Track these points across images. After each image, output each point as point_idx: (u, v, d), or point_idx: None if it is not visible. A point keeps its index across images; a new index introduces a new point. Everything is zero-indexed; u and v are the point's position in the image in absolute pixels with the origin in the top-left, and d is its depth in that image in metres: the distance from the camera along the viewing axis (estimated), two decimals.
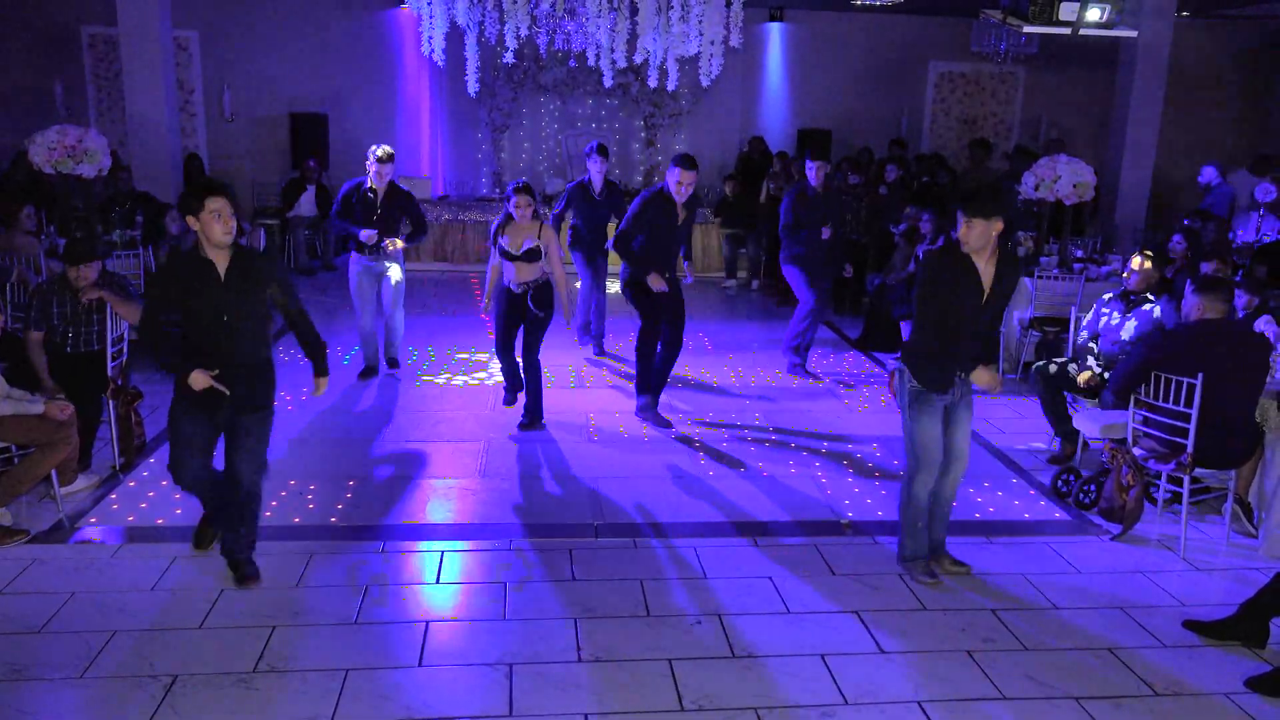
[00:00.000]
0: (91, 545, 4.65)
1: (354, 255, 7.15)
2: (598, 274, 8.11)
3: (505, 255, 6.12)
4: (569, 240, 7.99)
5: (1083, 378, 5.71)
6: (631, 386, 6.93)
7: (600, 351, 8.25)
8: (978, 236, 4.18)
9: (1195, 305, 4.86)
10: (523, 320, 6.25)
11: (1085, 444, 5.70)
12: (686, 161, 6.25)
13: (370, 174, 7.01)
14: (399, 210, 7.13)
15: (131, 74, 8.97)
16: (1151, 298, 5.79)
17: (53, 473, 4.89)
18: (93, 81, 12.49)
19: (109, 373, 5.49)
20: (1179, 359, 4.77)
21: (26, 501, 5.00)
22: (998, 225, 4.18)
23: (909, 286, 8.57)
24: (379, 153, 6.96)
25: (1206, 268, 6.31)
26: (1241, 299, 5.70)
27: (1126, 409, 5.02)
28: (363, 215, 6.99)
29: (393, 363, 7.56)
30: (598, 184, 7.87)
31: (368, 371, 7.48)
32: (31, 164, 7.54)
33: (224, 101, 12.59)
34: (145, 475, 5.48)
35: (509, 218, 6.13)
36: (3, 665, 3.65)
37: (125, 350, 5.72)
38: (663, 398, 6.78)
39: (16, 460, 4.80)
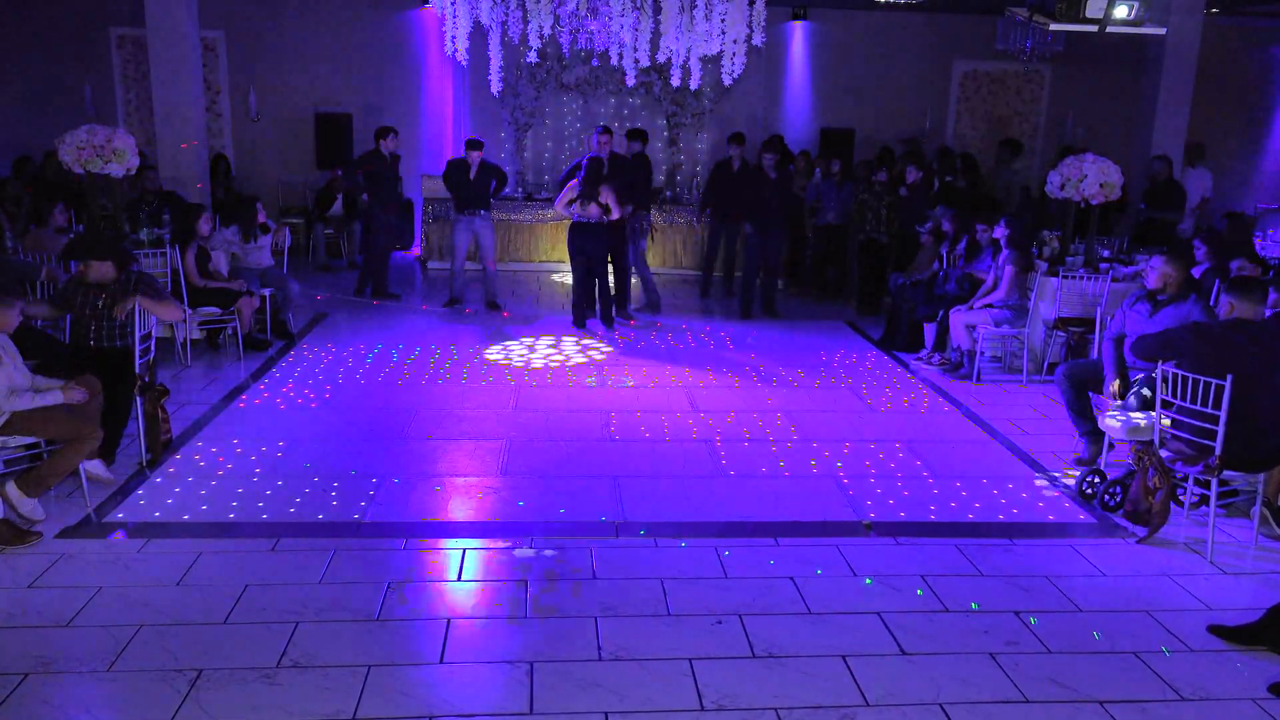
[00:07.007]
0: (118, 540, 4.71)
1: (454, 213, 9.78)
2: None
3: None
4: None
5: (1113, 388, 5.67)
6: (653, 385, 6.99)
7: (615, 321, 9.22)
8: None
9: (1226, 304, 4.80)
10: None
11: (1110, 445, 5.65)
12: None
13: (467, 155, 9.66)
14: (487, 176, 9.67)
15: (159, 74, 9.06)
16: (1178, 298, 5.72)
17: (80, 468, 4.97)
18: (121, 82, 12.63)
19: (136, 369, 5.56)
20: (1207, 357, 4.70)
21: (54, 495, 5.08)
22: None
23: (931, 287, 8.54)
24: (467, 140, 9.74)
25: (1235, 265, 6.23)
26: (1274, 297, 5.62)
27: (1149, 365, 4.96)
28: (457, 182, 9.54)
29: (492, 304, 9.84)
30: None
31: (452, 302, 9.85)
32: (61, 163, 7.64)
33: (250, 102, 12.69)
34: (172, 471, 5.54)
35: None
36: (31, 658, 3.70)
37: (152, 348, 5.79)
38: (681, 393, 6.95)
39: (45, 456, 4.88)
